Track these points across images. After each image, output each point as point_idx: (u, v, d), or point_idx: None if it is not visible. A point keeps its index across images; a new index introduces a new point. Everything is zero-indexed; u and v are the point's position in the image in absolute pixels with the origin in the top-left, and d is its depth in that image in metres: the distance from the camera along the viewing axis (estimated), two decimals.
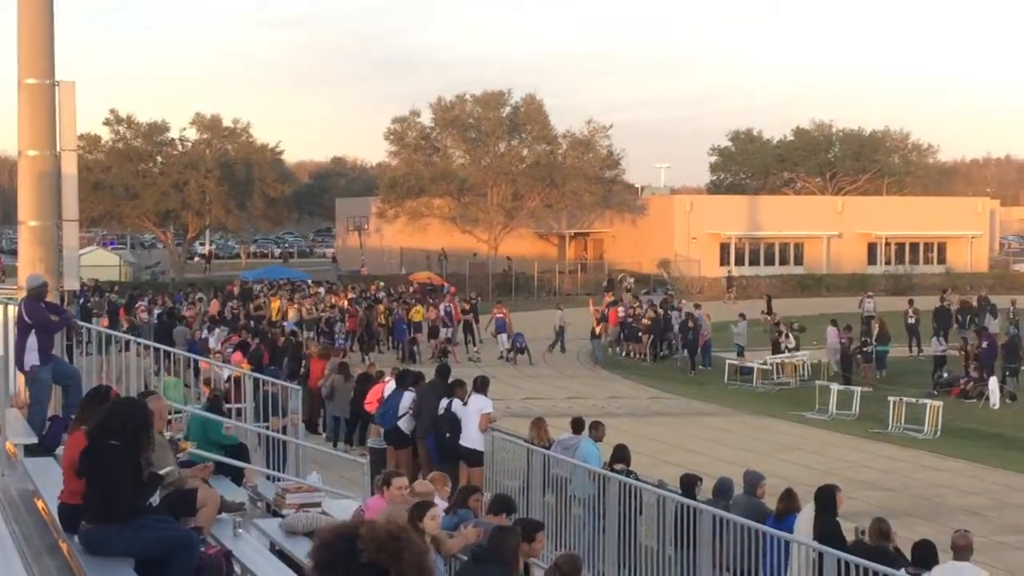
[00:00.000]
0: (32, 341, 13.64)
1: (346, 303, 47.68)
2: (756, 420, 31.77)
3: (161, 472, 8.86)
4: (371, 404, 21.94)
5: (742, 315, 43.97)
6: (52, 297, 14.89)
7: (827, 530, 12.71)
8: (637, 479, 15.38)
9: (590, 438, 17.41)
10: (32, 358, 13.66)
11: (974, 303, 48.89)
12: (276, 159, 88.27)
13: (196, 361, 21.33)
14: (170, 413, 13.57)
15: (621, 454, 16.31)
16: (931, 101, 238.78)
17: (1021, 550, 18.06)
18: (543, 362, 42.95)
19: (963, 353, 36.74)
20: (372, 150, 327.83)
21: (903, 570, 11.32)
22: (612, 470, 15.63)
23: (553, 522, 15.75)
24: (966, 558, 11.59)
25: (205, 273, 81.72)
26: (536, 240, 79.30)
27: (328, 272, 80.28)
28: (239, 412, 18.30)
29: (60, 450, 11.47)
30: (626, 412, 31.73)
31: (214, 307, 46.50)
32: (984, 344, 35.51)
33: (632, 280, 66.28)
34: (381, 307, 46.69)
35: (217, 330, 36.87)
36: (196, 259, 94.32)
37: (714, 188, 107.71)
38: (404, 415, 19.47)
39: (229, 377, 20.54)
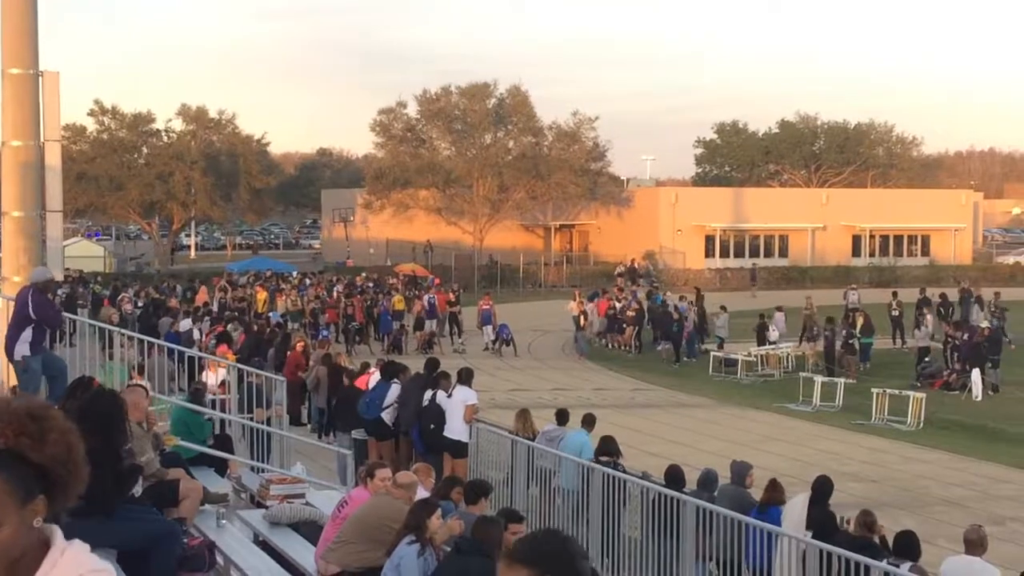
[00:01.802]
0: (26, 333, 13.58)
1: (323, 293, 47.64)
2: (740, 412, 31.83)
3: (140, 461, 8.84)
4: None
5: (723, 307, 44.07)
6: None
7: (822, 518, 12.74)
8: (624, 471, 15.37)
9: (583, 429, 17.43)
10: (23, 349, 13.61)
11: (954, 295, 48.82)
12: (262, 150, 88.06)
13: (180, 352, 21.19)
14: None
15: (607, 447, 16.27)
16: (915, 94, 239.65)
17: (1004, 541, 18.10)
18: (528, 353, 42.98)
19: (946, 344, 36.87)
20: (358, 142, 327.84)
21: (884, 561, 11.33)
22: (598, 462, 15.64)
23: (537, 514, 15.77)
24: (978, 554, 11.48)
25: (171, 265, 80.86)
26: (522, 232, 79.28)
27: (314, 263, 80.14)
28: (223, 403, 18.28)
29: None
30: (610, 404, 31.75)
31: (202, 296, 46.39)
32: (966, 336, 35.60)
33: (648, 267, 67.13)
34: (358, 297, 45.96)
35: (200, 323, 36.79)
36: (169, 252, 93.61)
37: (699, 180, 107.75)
38: (388, 407, 19.44)
39: (224, 381, 20.09)
